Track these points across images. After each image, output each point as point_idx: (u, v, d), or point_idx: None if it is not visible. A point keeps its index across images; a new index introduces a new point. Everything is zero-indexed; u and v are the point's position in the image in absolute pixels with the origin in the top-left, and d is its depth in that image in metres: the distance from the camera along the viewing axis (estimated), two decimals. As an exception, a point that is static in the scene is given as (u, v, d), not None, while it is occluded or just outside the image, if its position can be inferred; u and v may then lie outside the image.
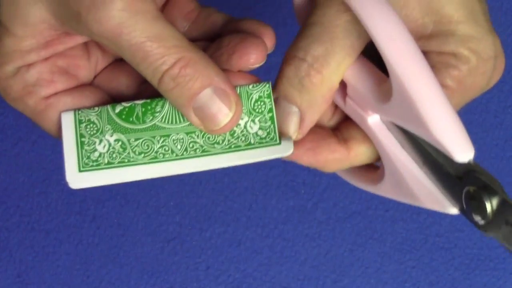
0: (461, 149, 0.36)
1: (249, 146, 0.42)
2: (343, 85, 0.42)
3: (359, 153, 0.43)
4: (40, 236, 0.79)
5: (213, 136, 0.42)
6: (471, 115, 0.82)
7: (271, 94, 0.42)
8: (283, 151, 0.42)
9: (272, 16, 0.82)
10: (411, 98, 0.36)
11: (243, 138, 0.42)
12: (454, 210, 0.39)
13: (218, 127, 0.40)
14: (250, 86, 0.42)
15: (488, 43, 0.41)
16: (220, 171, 0.80)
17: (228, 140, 0.42)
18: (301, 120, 0.42)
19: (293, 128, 0.42)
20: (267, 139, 0.42)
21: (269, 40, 0.43)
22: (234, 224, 0.80)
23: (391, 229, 0.80)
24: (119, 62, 0.45)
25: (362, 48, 0.41)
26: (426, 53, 0.41)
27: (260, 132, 0.42)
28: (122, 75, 0.44)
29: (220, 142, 0.42)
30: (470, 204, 0.37)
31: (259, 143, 0.42)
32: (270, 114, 0.42)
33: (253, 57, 0.42)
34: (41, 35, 0.40)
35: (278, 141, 0.42)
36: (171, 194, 0.80)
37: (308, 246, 0.80)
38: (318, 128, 0.44)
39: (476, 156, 0.86)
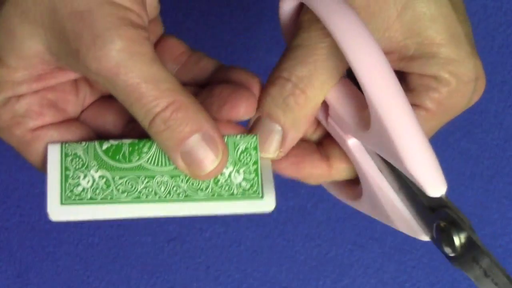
0: (434, 185, 0.37)
1: (232, 196, 0.42)
2: (326, 104, 0.43)
3: (340, 171, 0.44)
4: (40, 236, 0.79)
5: (197, 182, 0.42)
6: (471, 115, 0.82)
7: (258, 147, 0.42)
8: (265, 206, 0.42)
9: (272, 16, 0.82)
10: (387, 130, 0.38)
11: (227, 188, 0.42)
12: (425, 238, 0.41)
13: (203, 173, 0.41)
14: (238, 137, 0.43)
15: (469, 66, 0.42)
16: (220, 171, 0.80)
17: (212, 188, 0.42)
18: (283, 138, 0.43)
19: (274, 146, 0.43)
20: (250, 192, 0.42)
21: (256, 91, 0.44)
22: (234, 224, 0.80)
23: (391, 229, 0.80)
24: (106, 99, 0.45)
25: (345, 69, 0.42)
26: (407, 74, 0.42)
27: (243, 184, 0.42)
28: (108, 113, 0.45)
29: (204, 189, 0.42)
30: (441, 235, 0.38)
31: (242, 194, 0.42)
32: (255, 166, 0.42)
33: (243, 110, 0.42)
34: (34, 68, 0.41)
35: (261, 195, 0.42)
36: (171, 194, 0.80)
37: (308, 246, 0.80)
38: (302, 142, 0.44)
39: (476, 156, 0.86)
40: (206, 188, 0.42)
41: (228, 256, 0.80)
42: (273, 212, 0.84)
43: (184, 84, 0.44)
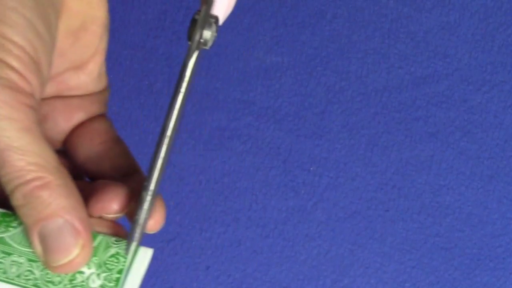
0: None
1: None
2: None
3: None
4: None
5: (53, 274, 0.38)
6: (471, 115, 0.82)
7: (129, 255, 0.39)
8: None
9: (272, 16, 0.82)
10: None
11: None
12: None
13: (55, 264, 0.37)
14: (113, 239, 0.40)
15: None
16: (220, 171, 0.80)
17: (64, 285, 0.38)
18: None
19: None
20: None
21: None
22: (234, 224, 0.80)
23: (391, 229, 0.80)
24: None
25: None
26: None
27: None
28: None
29: (56, 283, 0.38)
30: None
31: None
32: (118, 275, 0.39)
33: (116, 207, 0.40)
34: None
35: None
36: (171, 194, 0.80)
37: (308, 246, 0.80)
38: None
39: (476, 156, 0.86)
40: (59, 283, 0.38)
41: (228, 256, 0.80)
42: (273, 212, 0.84)
43: (99, 176, 0.42)
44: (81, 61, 0.42)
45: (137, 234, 0.40)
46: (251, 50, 0.83)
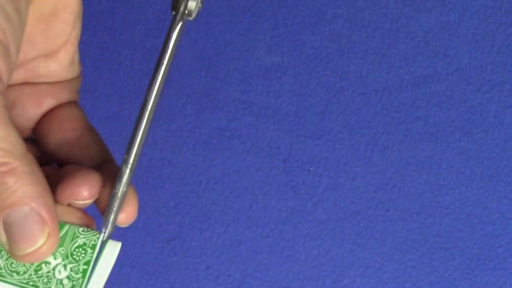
0: None
1: None
2: None
3: None
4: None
5: (18, 263, 0.37)
6: (471, 115, 0.82)
7: (97, 246, 0.38)
8: None
9: (272, 16, 0.82)
10: None
11: (45, 280, 0.37)
12: None
13: (21, 253, 0.36)
14: (81, 229, 0.38)
15: None
16: (220, 171, 0.80)
17: (30, 275, 0.37)
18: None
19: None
20: None
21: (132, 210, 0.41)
22: (234, 224, 0.80)
23: (391, 229, 0.80)
24: None
25: None
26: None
27: (65, 282, 0.37)
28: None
29: (21, 273, 0.37)
30: None
31: None
32: (85, 267, 0.37)
33: (87, 193, 0.39)
34: None
35: None
36: (171, 194, 0.80)
37: (308, 246, 0.80)
38: None
39: (476, 156, 0.86)
40: (24, 273, 0.37)
41: (228, 256, 0.80)
42: (273, 212, 0.84)
43: (66, 162, 0.41)
44: (52, 49, 0.41)
45: (115, 208, 0.39)
46: (251, 50, 0.83)
